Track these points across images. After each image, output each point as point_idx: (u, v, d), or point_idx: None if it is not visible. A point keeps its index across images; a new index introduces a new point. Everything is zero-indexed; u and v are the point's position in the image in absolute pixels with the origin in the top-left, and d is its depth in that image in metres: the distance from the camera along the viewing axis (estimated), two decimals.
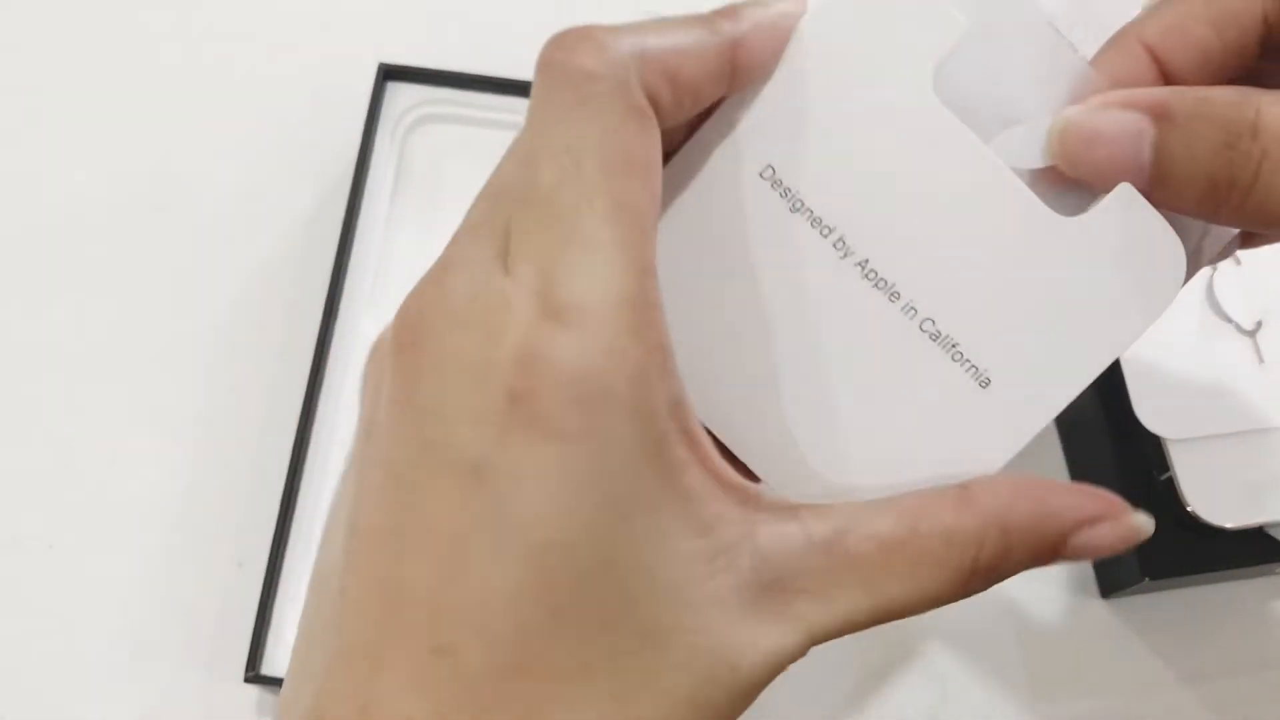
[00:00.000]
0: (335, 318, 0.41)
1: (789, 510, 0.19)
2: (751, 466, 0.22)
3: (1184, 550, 0.37)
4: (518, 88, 0.44)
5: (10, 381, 0.43)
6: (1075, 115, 0.20)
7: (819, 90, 0.21)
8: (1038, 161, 0.21)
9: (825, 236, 0.21)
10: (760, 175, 0.21)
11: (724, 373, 0.22)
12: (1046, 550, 0.20)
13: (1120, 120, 0.20)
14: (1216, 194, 0.19)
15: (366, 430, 0.19)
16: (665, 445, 0.18)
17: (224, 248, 0.45)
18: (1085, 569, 0.41)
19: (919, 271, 0.21)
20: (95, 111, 0.47)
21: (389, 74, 0.44)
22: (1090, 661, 0.40)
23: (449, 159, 0.45)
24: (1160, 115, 0.19)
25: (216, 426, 0.42)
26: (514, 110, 0.45)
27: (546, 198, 0.18)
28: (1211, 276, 0.39)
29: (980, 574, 0.20)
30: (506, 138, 0.44)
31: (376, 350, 0.20)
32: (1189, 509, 0.37)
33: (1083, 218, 0.21)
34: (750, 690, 0.19)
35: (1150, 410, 0.37)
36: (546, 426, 0.17)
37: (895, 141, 0.21)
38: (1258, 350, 0.38)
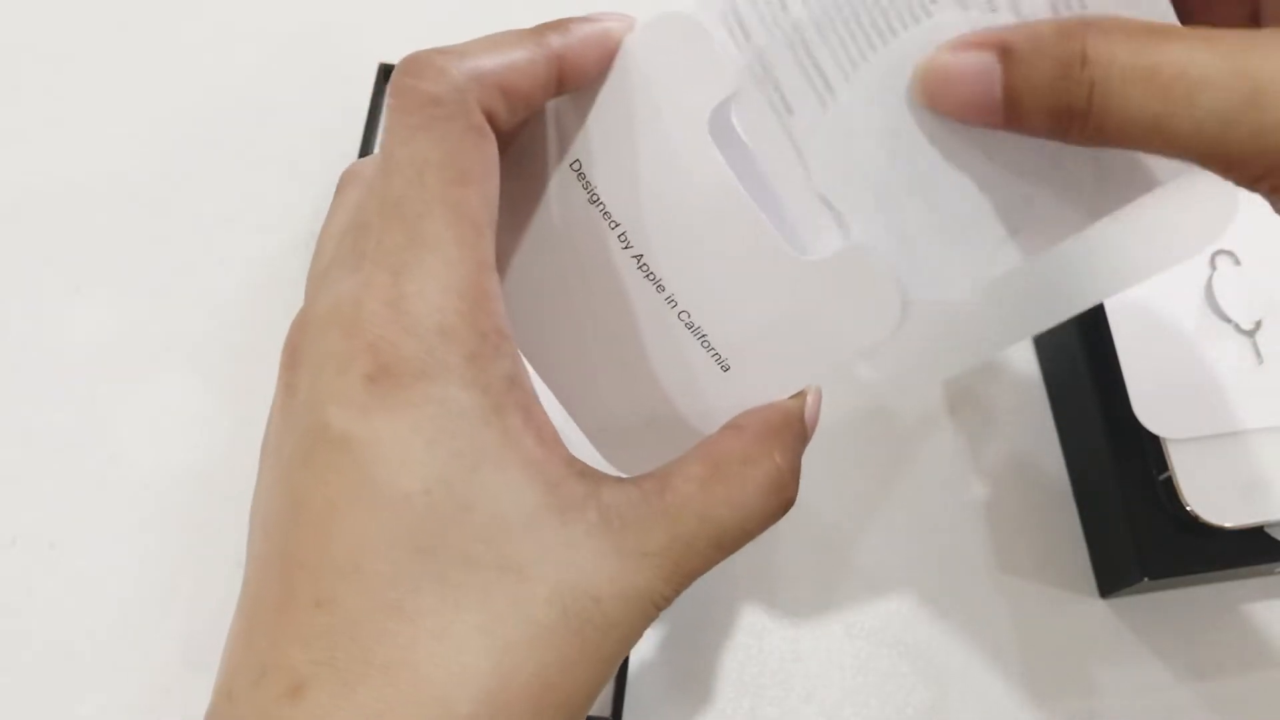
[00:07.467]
0: None
1: (620, 478, 0.22)
2: (560, 401, 0.26)
3: (1184, 550, 0.37)
4: None
5: (11, 381, 0.43)
6: (931, 59, 0.21)
7: (627, 104, 0.24)
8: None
9: (613, 229, 0.25)
10: (570, 167, 0.25)
11: (538, 321, 0.26)
12: (800, 423, 0.24)
13: (970, 60, 0.21)
14: (1061, 121, 0.20)
15: (267, 432, 0.23)
16: (502, 414, 0.20)
17: (225, 248, 0.45)
18: (1085, 569, 0.41)
19: (680, 273, 0.25)
20: (95, 111, 0.47)
21: (389, 74, 0.44)
22: (1090, 661, 0.40)
23: None
24: (1004, 53, 0.20)
25: (217, 426, 0.42)
26: None
27: (395, 206, 0.21)
28: (1211, 276, 0.39)
29: (787, 474, 0.23)
30: None
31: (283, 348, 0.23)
32: (1189, 509, 0.37)
33: (816, 259, 0.24)
34: (618, 626, 0.20)
35: (1150, 410, 0.37)
36: (396, 399, 0.20)
37: (671, 163, 0.24)
38: (1257, 350, 0.38)
